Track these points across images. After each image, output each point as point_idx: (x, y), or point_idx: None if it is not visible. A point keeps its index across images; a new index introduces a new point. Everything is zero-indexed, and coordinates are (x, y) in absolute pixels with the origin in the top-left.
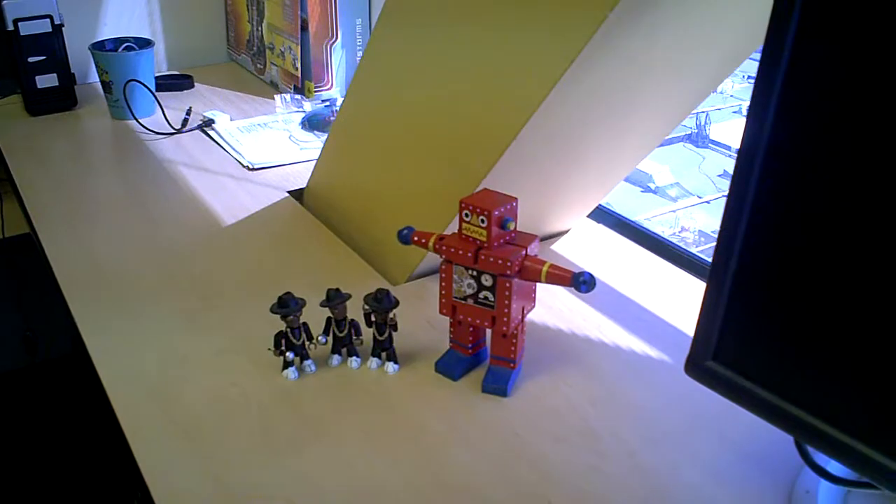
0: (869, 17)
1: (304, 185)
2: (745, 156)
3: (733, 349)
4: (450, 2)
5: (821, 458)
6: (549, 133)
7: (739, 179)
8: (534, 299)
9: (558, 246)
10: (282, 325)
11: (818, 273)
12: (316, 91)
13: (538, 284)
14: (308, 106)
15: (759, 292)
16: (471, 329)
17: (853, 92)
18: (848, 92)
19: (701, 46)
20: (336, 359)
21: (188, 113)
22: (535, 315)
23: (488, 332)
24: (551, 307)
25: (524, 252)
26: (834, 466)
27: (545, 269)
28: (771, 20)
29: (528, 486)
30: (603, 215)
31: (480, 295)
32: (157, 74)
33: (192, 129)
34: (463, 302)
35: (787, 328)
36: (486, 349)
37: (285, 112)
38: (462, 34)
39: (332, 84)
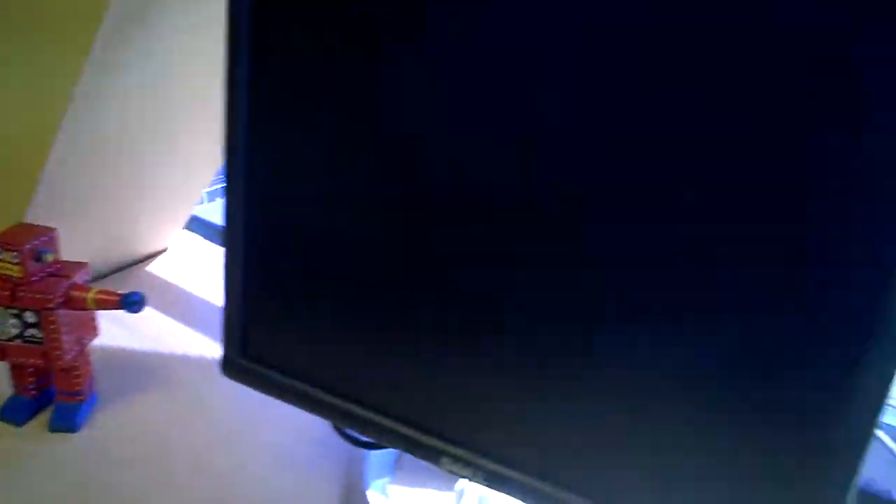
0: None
1: None
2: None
3: (260, 345)
4: None
5: None
6: (89, 154)
7: (230, 182)
8: (94, 328)
9: (155, 266)
10: None
11: (301, 268)
12: None
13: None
14: None
15: (268, 289)
16: (30, 370)
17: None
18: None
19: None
20: None
21: None
22: (119, 340)
23: None
24: (135, 329)
25: (67, 282)
26: None
27: (90, 296)
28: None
29: None
30: (204, 227)
31: (27, 333)
32: None
33: None
34: (10, 343)
35: (295, 321)
36: (53, 387)
37: None
38: None
39: None
